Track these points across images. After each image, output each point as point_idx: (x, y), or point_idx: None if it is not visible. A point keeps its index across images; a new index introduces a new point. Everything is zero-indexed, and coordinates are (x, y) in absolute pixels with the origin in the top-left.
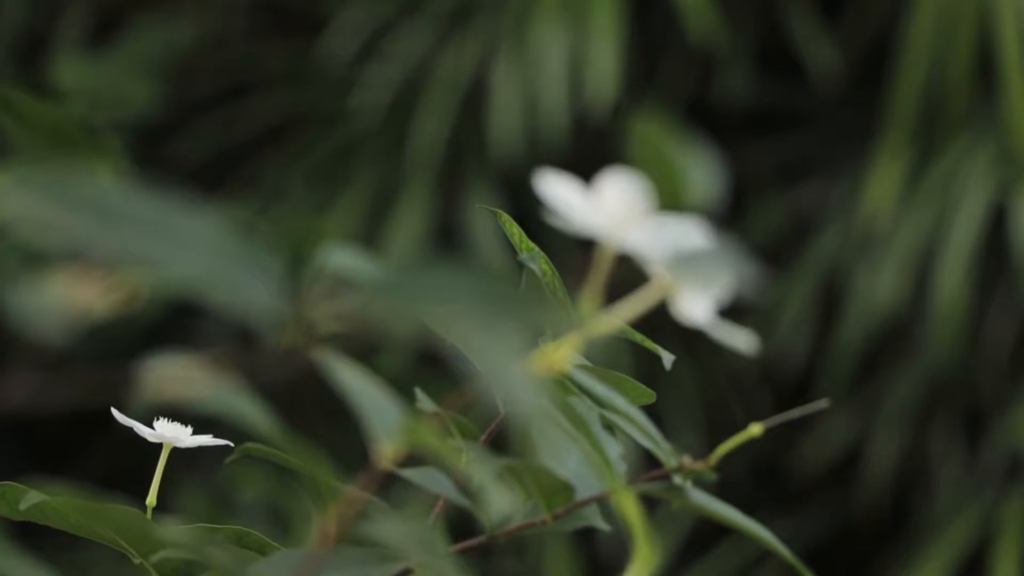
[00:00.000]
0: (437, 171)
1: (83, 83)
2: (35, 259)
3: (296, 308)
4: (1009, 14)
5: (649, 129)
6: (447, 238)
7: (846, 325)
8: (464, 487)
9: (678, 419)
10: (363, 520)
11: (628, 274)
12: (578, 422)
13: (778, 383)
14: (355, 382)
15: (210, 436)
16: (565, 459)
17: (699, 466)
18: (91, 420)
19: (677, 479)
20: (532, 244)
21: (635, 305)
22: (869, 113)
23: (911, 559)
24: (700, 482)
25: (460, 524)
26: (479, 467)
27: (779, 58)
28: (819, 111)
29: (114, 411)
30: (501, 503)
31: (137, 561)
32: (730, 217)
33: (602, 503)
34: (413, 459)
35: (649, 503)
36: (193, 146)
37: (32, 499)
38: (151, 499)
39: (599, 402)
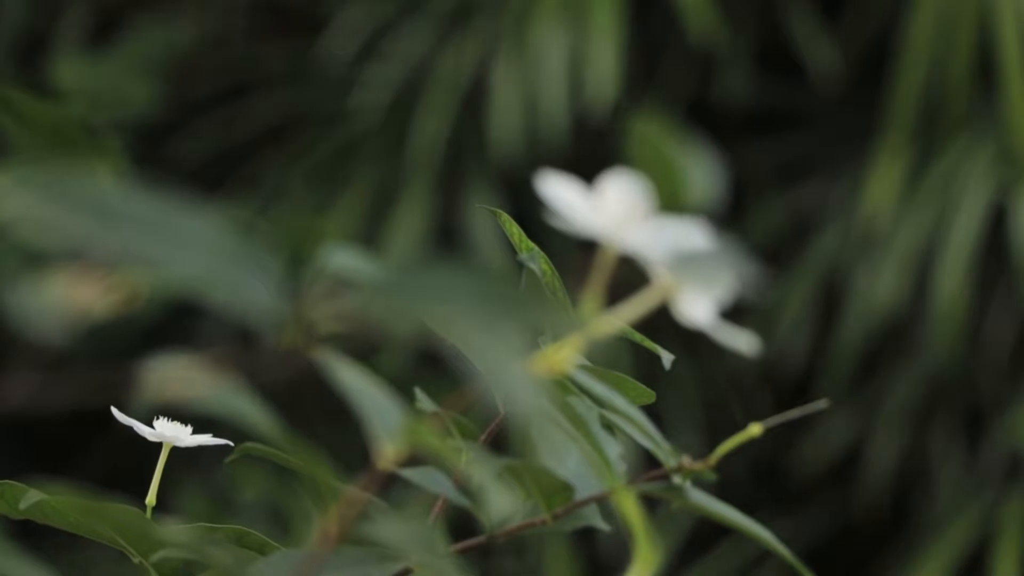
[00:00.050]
0: (437, 171)
1: (83, 83)
2: (35, 259)
3: (296, 308)
4: (1009, 14)
5: (649, 129)
6: (447, 238)
7: (846, 325)
8: (464, 487)
9: (678, 419)
10: (363, 520)
11: (629, 275)
12: (578, 422)
13: (778, 383)
14: (355, 382)
15: (209, 436)
16: (565, 459)
17: (699, 466)
18: (91, 420)
19: (677, 479)
20: (532, 244)
21: (636, 306)
22: (869, 113)
23: (911, 559)
24: (700, 482)
25: (460, 524)
26: (479, 467)
27: (779, 58)
28: (819, 111)
29: (114, 410)
30: (501, 503)
31: (137, 560)
32: (730, 217)
33: (602, 503)
34: (413, 459)
35: (649, 503)
36: (193, 146)
37: (32, 498)
38: (151, 498)
39: (599, 402)
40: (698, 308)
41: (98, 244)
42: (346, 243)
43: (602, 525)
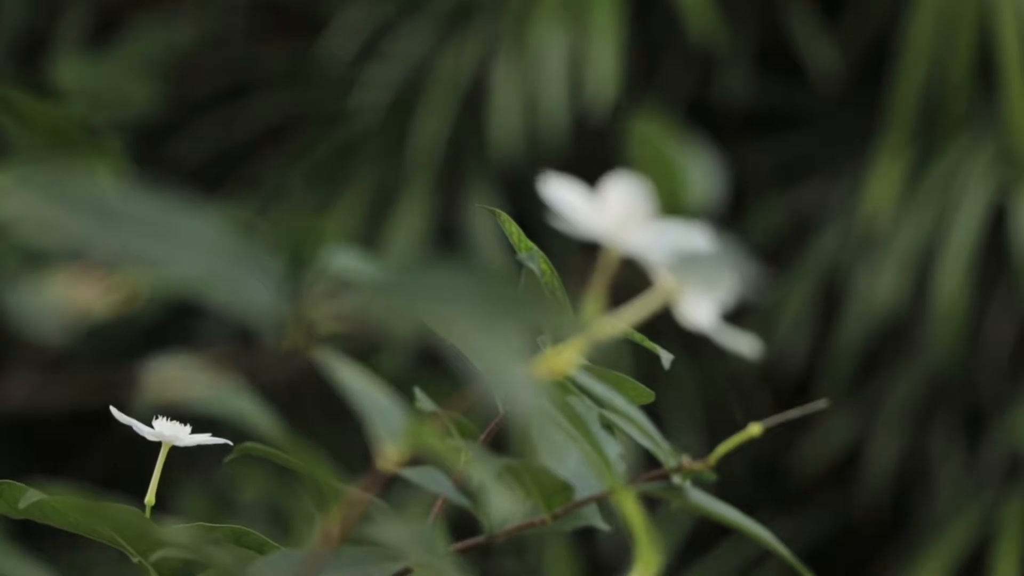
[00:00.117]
0: (437, 171)
1: (83, 83)
2: (35, 259)
3: (296, 308)
4: (1009, 14)
5: (649, 129)
6: (447, 238)
7: (846, 325)
8: (464, 487)
9: (678, 419)
10: (363, 520)
11: (631, 277)
12: (578, 422)
13: (778, 383)
14: (356, 382)
15: (208, 435)
16: (565, 459)
17: (699, 466)
18: (91, 420)
19: (677, 479)
20: (531, 243)
21: (639, 308)
22: (869, 113)
23: (911, 559)
24: (700, 482)
25: (460, 524)
26: (479, 467)
27: (779, 58)
28: (819, 111)
29: (113, 410)
30: (501, 503)
31: (136, 560)
32: (730, 217)
33: (602, 503)
34: (413, 459)
35: (649, 503)
36: (193, 146)
37: (32, 498)
38: (150, 498)
39: (599, 402)
40: (700, 310)
41: (98, 244)
42: (346, 243)
43: (602, 525)
